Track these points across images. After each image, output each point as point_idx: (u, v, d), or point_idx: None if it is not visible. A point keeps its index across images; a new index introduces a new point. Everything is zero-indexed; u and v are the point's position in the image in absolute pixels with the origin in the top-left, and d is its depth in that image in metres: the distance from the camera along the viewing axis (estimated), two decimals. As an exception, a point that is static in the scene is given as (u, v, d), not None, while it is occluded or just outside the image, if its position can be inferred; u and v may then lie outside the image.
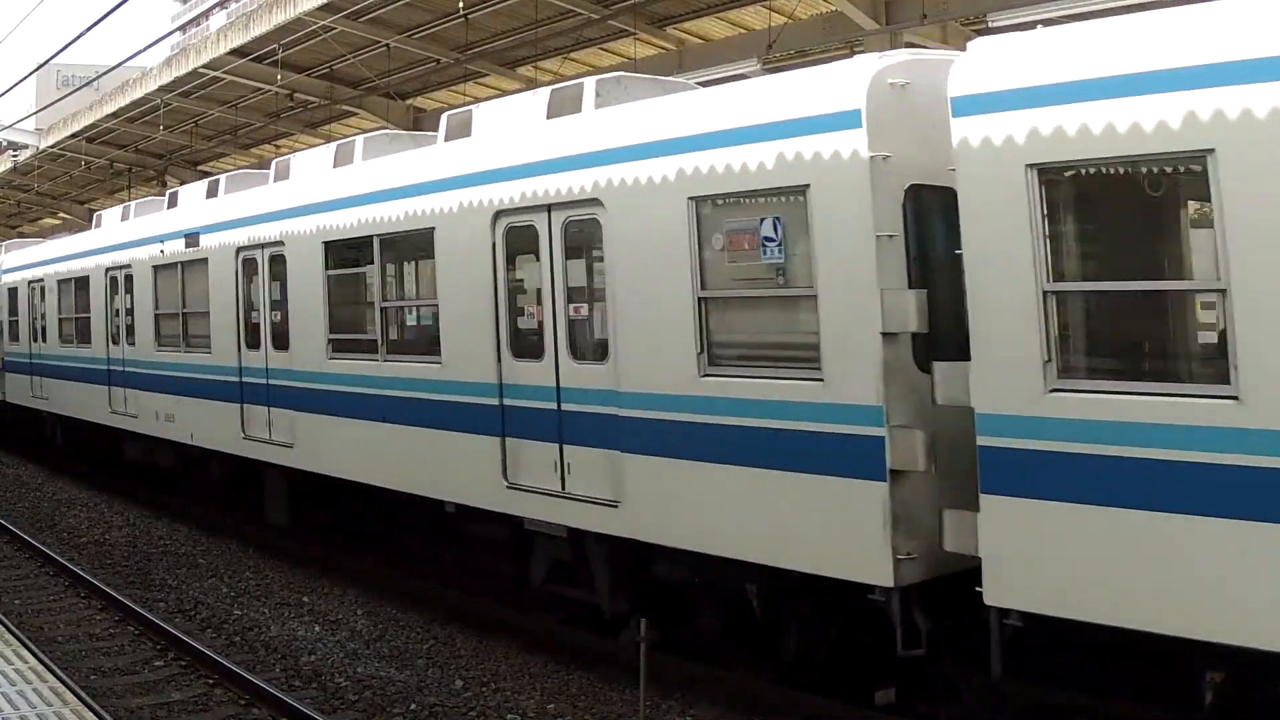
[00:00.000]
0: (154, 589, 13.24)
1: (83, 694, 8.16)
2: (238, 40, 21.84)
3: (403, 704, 9.31)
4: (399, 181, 11.35)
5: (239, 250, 14.18)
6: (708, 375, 8.16)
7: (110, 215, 20.52)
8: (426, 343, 11.27)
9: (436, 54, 21.15)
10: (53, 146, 32.20)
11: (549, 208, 9.42)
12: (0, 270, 25.52)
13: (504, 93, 22.07)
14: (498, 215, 9.91)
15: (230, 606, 12.36)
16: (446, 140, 11.34)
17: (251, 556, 14.64)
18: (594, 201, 8.99)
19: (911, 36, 16.02)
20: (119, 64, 19.82)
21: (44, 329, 22.35)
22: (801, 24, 17.35)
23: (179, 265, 16.00)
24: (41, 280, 22.29)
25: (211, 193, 16.19)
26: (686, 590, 9.01)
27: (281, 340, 13.37)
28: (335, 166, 13.12)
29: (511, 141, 10.21)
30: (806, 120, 7.51)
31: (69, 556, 14.67)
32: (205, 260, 15.11)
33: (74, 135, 30.61)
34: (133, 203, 20.07)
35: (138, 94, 26.25)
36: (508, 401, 9.89)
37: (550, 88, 10.44)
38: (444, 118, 11.56)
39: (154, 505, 18.16)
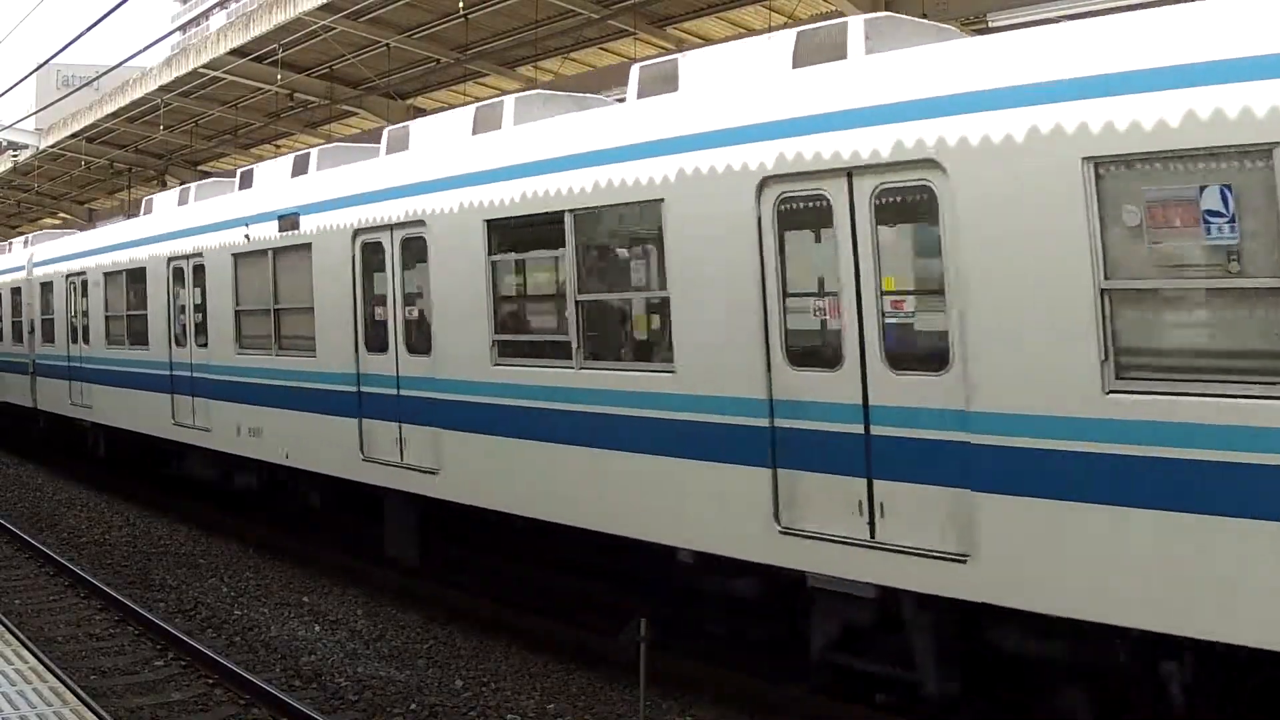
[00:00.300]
0: (154, 589, 13.24)
1: (83, 694, 8.16)
2: (238, 40, 21.87)
3: (403, 704, 9.31)
4: (603, 143, 9.06)
5: (357, 233, 11.79)
6: (1116, 391, 6.23)
7: (164, 200, 18.22)
8: (649, 346, 9.06)
9: (436, 54, 21.17)
10: (53, 146, 32.24)
11: (849, 173, 7.32)
12: (31, 264, 23.02)
13: (503, 92, 22.11)
14: (764, 184, 7.75)
15: (230, 606, 12.36)
16: (640, 97, 9.33)
17: (251, 556, 14.64)
18: (926, 163, 6.94)
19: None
20: (119, 64, 19.81)
21: (85, 328, 19.70)
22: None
23: (270, 253, 13.54)
24: (83, 273, 19.67)
25: (300, 169, 13.99)
26: (1036, 663, 7.16)
27: (420, 342, 11.05)
28: (476, 133, 10.96)
29: (764, 94, 8.06)
30: (1266, 60, 5.76)
31: (69, 556, 14.67)
32: (308, 246, 12.69)
33: (74, 135, 30.65)
34: (193, 185, 17.71)
35: (138, 94, 26.28)
36: (782, 423, 7.69)
37: (793, 31, 8.52)
38: (636, 69, 9.60)
39: (154, 505, 18.15)
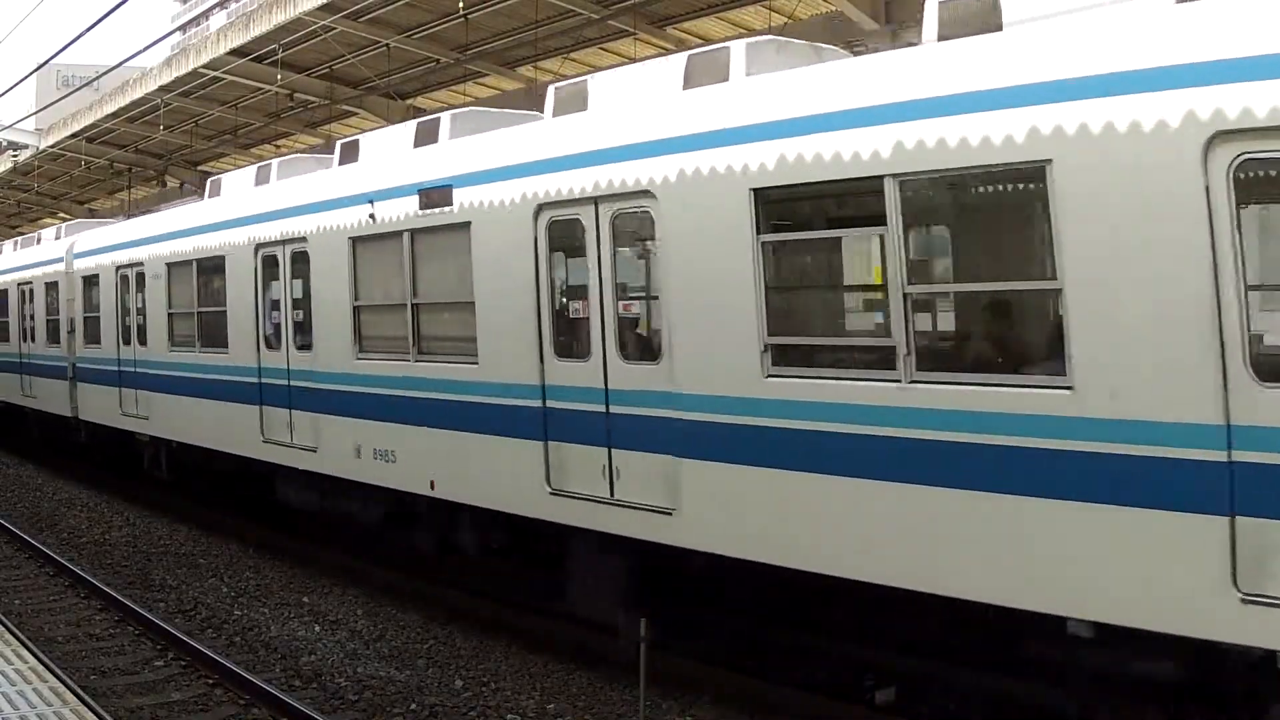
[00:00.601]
0: (154, 589, 13.24)
1: (83, 694, 8.17)
2: (238, 40, 21.87)
3: (403, 704, 9.31)
4: (949, 88, 6.85)
5: (541, 208, 9.44)
6: None
7: (238, 180, 15.68)
8: (1025, 355, 7.21)
9: (436, 54, 21.17)
10: (53, 146, 32.24)
11: None
12: (72, 255, 20.29)
13: (503, 92, 22.14)
14: (1215, 141, 5.82)
15: (230, 606, 12.36)
16: (944, 38, 7.40)
17: (251, 556, 14.64)
18: None
19: (912, 36, 16.04)
20: (119, 64, 19.79)
21: (142, 327, 17.13)
22: (802, 24, 17.36)
23: (406, 235, 11.01)
24: (140, 264, 17.02)
25: (426, 137, 11.61)
26: None
27: (643, 346, 9.05)
28: (690, 86, 8.85)
29: (1187, 28, 6.09)
30: None
31: (69, 556, 14.67)
32: (464, 226, 10.24)
33: (74, 135, 30.64)
34: (274, 161, 15.35)
35: (138, 94, 26.28)
36: (1245, 456, 5.85)
37: None
38: (934, 6, 7.61)
39: (154, 505, 18.15)
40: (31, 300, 22.85)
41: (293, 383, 12.95)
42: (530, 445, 9.58)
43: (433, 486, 10.78)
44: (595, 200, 9.01)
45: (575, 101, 9.99)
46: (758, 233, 7.79)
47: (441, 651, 10.64)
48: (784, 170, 7.57)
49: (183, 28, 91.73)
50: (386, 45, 20.74)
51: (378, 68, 21.83)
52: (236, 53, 22.19)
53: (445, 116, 11.70)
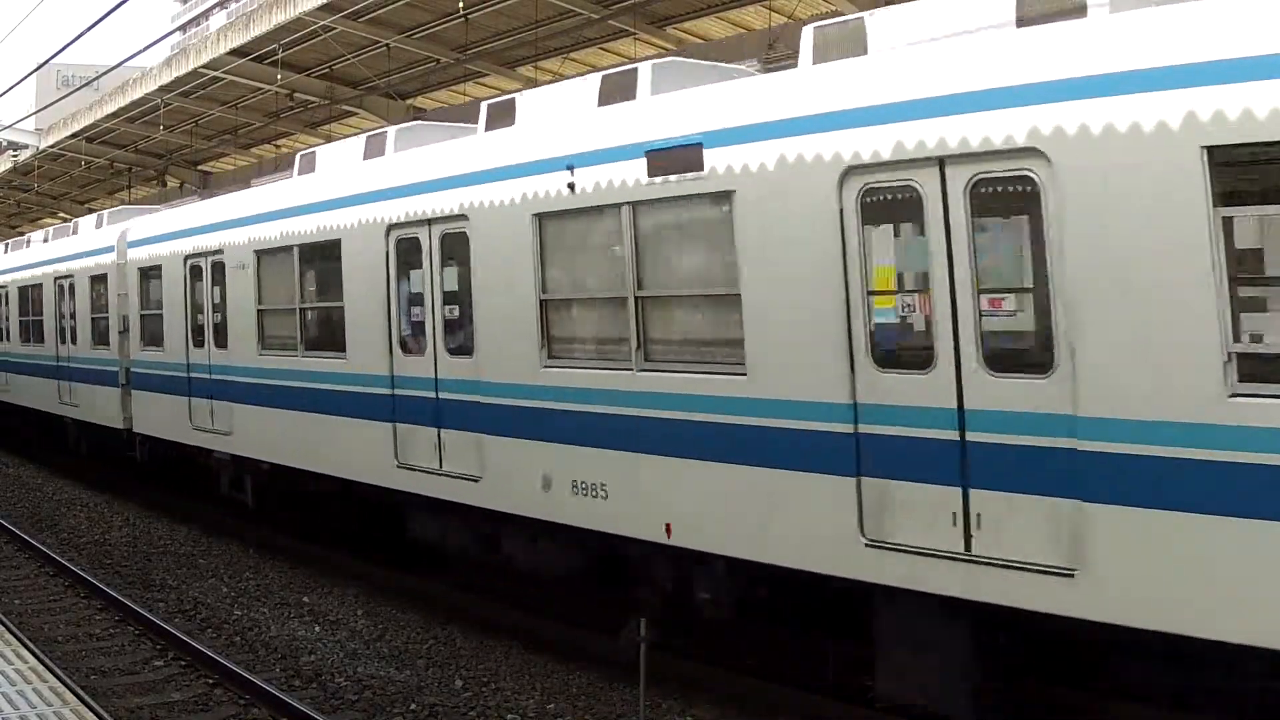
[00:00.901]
0: (154, 589, 13.24)
1: (83, 694, 8.17)
2: (238, 40, 21.90)
3: (403, 704, 9.31)
4: None
5: (848, 173, 7.34)
6: None
7: (340, 152, 13.37)
8: None
9: (436, 54, 21.21)
10: (53, 146, 32.28)
11: None
12: (126, 244, 17.80)
13: (503, 92, 22.13)
14: None
15: (230, 606, 12.36)
16: None
17: (251, 556, 14.64)
18: None
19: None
20: (119, 64, 19.81)
21: (219, 327, 14.69)
22: (801, 24, 17.36)
23: (624, 210, 8.83)
24: (217, 253, 14.56)
25: (618, 94, 9.56)
26: None
27: (1016, 352, 6.95)
28: (1028, 24, 7.00)
29: None
30: None
31: (69, 556, 14.67)
32: (723, 196, 8.12)
33: (74, 135, 30.68)
34: (390, 129, 12.84)
35: (138, 94, 26.32)
36: None
37: None
38: None
39: (154, 505, 18.15)
40: (72, 296, 20.17)
41: (443, 395, 10.61)
42: (832, 482, 7.49)
43: (669, 532, 8.53)
44: (939, 161, 6.91)
45: (846, 44, 7.99)
46: (1214, 204, 5.86)
47: (441, 651, 10.65)
48: (1262, 122, 5.64)
49: (183, 28, 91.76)
50: (386, 45, 20.78)
51: (378, 68, 21.86)
52: (236, 53, 22.22)
53: (644, 67, 9.64)
